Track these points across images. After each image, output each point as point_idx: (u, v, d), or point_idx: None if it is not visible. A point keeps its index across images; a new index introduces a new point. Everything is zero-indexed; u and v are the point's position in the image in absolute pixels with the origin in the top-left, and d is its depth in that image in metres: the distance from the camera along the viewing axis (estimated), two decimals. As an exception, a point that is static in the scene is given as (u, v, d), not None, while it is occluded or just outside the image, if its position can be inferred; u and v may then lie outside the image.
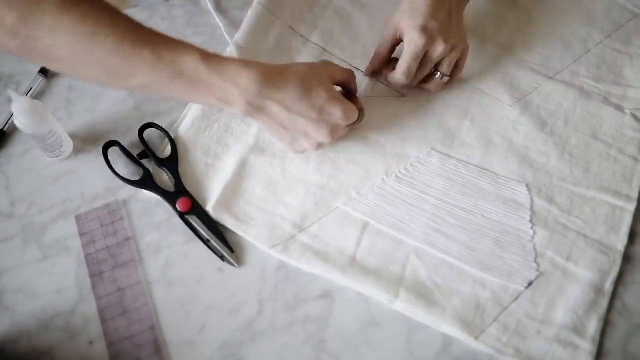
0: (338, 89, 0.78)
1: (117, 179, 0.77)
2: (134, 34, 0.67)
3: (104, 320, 0.69)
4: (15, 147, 0.81)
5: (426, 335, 0.70)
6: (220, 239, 0.74)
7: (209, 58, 0.69)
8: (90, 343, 0.68)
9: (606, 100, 0.85)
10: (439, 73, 0.82)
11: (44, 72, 0.85)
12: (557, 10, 0.94)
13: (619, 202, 0.77)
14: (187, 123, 0.81)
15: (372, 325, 0.70)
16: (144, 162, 0.78)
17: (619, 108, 0.84)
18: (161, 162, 0.78)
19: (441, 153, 0.81)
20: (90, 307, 0.70)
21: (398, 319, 0.70)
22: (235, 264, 0.73)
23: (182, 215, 0.75)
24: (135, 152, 0.79)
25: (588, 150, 0.81)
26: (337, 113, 0.72)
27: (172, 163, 0.78)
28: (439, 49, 0.78)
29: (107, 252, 0.73)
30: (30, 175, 0.79)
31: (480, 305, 0.70)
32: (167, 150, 0.79)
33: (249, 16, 0.91)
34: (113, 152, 0.79)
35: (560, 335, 0.68)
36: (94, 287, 0.71)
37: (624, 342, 0.69)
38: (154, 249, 0.74)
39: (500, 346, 0.68)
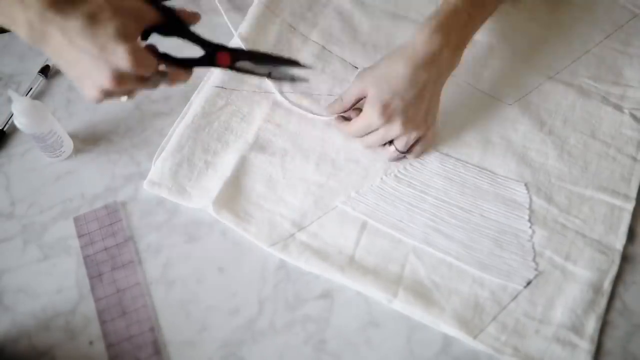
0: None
1: (117, 179, 0.78)
2: None
3: (103, 322, 0.69)
4: (15, 147, 0.81)
5: (426, 334, 0.70)
6: (281, 62, 0.67)
7: None
8: (91, 343, 0.69)
9: (605, 100, 0.85)
10: (393, 147, 0.78)
11: (44, 72, 0.85)
12: (557, 9, 0.94)
13: (618, 202, 0.77)
14: (187, 120, 0.81)
15: (372, 325, 0.70)
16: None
17: (618, 108, 0.84)
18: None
19: (440, 152, 0.81)
20: (90, 307, 0.71)
21: (398, 319, 0.71)
22: (309, 66, 0.67)
23: (231, 68, 0.68)
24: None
25: (587, 150, 0.81)
26: (121, 53, 0.61)
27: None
28: (394, 130, 0.75)
29: (106, 253, 0.74)
30: (30, 175, 0.79)
31: (479, 304, 0.70)
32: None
33: (249, 14, 0.91)
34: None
35: (558, 335, 0.69)
36: (92, 288, 0.71)
37: (623, 342, 0.69)
38: (153, 249, 0.74)
39: (499, 345, 0.68)
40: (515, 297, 0.71)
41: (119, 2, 0.63)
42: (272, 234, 0.74)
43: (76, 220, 0.76)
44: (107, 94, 0.65)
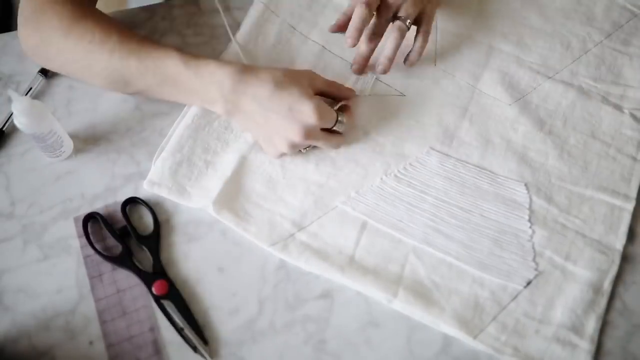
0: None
1: (117, 179, 0.78)
2: (122, 46, 0.76)
3: (103, 322, 0.69)
4: (15, 147, 0.81)
5: (426, 334, 0.70)
6: (195, 328, 0.69)
7: (188, 61, 0.75)
8: (91, 343, 0.69)
9: (605, 100, 0.85)
10: (398, 21, 0.83)
11: (44, 72, 0.85)
12: (557, 9, 0.94)
13: (618, 202, 0.77)
14: (187, 120, 0.81)
15: (372, 325, 0.70)
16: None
17: (618, 108, 0.84)
18: (141, 240, 0.74)
19: (440, 152, 0.81)
20: (90, 307, 0.71)
21: (398, 319, 0.71)
22: (208, 358, 0.68)
23: (157, 299, 0.71)
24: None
25: (587, 150, 0.81)
26: (308, 111, 0.72)
27: (153, 242, 0.74)
28: None
29: (107, 253, 0.74)
30: (30, 175, 0.79)
31: (479, 304, 0.71)
32: (150, 227, 0.76)
33: (249, 14, 0.92)
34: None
35: (558, 335, 0.69)
36: (92, 288, 0.71)
37: (623, 342, 0.70)
38: (153, 249, 0.74)
39: (499, 345, 0.68)
40: (515, 297, 0.71)
41: (293, 72, 0.76)
42: (272, 233, 0.75)
43: (76, 220, 0.76)
44: (293, 148, 0.76)
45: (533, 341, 0.69)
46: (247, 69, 0.75)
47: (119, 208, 0.76)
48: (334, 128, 0.77)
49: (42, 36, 0.77)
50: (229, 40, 0.89)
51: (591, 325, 0.69)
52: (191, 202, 0.76)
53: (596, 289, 0.71)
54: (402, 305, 0.70)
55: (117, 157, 0.80)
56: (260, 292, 0.72)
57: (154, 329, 0.69)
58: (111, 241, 0.75)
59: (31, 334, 0.69)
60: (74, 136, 0.81)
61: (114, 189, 0.78)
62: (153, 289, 0.71)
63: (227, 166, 0.79)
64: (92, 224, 0.75)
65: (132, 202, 0.77)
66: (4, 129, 0.81)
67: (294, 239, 0.74)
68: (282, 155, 0.79)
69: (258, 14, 0.91)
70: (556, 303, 0.71)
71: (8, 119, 0.82)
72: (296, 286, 0.73)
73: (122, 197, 0.77)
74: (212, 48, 0.89)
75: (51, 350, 0.68)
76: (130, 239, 0.75)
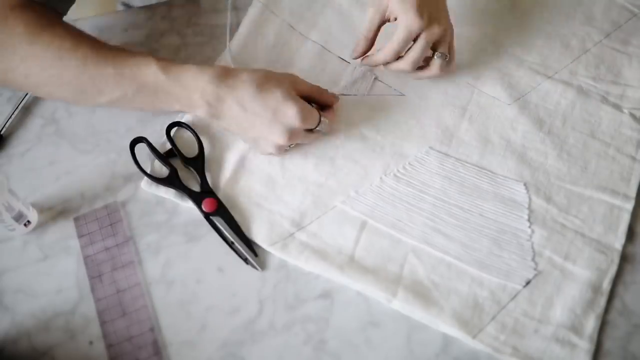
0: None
1: (117, 179, 0.78)
2: (95, 53, 0.73)
3: (103, 322, 0.70)
4: (15, 147, 0.81)
5: (426, 334, 0.70)
6: (245, 241, 0.74)
7: (167, 67, 0.74)
8: (91, 343, 0.69)
9: (604, 100, 0.85)
10: (439, 53, 0.81)
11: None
12: (556, 9, 0.94)
13: (617, 201, 0.77)
14: (186, 121, 0.81)
15: (372, 325, 0.70)
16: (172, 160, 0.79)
17: (617, 107, 0.84)
18: (187, 161, 0.78)
19: (439, 152, 0.81)
20: (90, 307, 0.71)
21: (398, 319, 0.71)
22: (259, 268, 0.73)
23: (207, 216, 0.75)
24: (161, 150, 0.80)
25: (586, 150, 0.81)
26: (291, 113, 0.72)
27: (198, 162, 0.78)
28: (435, 30, 0.78)
29: (106, 253, 0.74)
30: (30, 175, 0.79)
31: (478, 304, 0.71)
32: (194, 150, 0.79)
33: (248, 14, 0.92)
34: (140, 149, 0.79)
35: (558, 334, 0.69)
36: (92, 289, 0.71)
37: (623, 342, 0.70)
38: (153, 249, 0.74)
39: (498, 345, 0.68)
40: (514, 297, 0.71)
41: (275, 73, 0.76)
42: (271, 233, 0.75)
43: (76, 220, 0.76)
44: (279, 150, 0.77)
45: (532, 341, 0.69)
46: (228, 72, 0.75)
47: (119, 208, 0.76)
48: (317, 129, 0.77)
49: (3, 45, 0.71)
50: (230, 40, 0.89)
51: (590, 324, 0.69)
52: (191, 202, 0.76)
53: (595, 289, 0.71)
54: (402, 305, 0.70)
55: (117, 157, 0.80)
56: (260, 292, 0.72)
57: (154, 329, 0.69)
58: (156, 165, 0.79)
59: (31, 334, 0.69)
60: (74, 136, 0.81)
61: (113, 188, 0.78)
62: (203, 207, 0.75)
63: (227, 166, 0.79)
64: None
65: (174, 127, 0.80)
66: (1, 131, 0.81)
67: (293, 238, 0.75)
68: (270, 154, 0.79)
69: (256, 14, 0.91)
70: (555, 303, 0.71)
71: (6, 121, 0.82)
72: (296, 286, 0.73)
73: (122, 197, 0.77)
74: (212, 48, 0.89)
75: (51, 350, 0.68)
76: (176, 161, 0.78)
